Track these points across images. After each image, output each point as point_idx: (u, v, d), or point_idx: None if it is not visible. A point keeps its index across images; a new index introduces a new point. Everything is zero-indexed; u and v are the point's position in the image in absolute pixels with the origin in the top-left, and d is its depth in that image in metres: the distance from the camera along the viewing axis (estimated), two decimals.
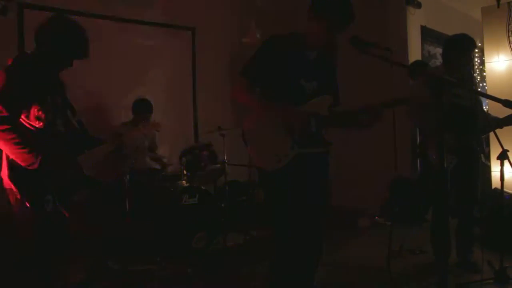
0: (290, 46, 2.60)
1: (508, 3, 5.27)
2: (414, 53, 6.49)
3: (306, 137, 2.53)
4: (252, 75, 2.57)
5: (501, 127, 3.63)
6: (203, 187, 4.79)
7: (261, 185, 2.76)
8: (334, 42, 2.60)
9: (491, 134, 4.05)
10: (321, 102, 2.64)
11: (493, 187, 5.19)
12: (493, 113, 4.06)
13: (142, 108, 5.33)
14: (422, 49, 6.81)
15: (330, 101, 2.68)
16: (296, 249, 2.57)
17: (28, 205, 2.42)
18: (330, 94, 2.72)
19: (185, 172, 4.87)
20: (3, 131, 2.34)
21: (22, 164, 2.39)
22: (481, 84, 7.24)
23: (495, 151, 4.96)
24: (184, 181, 4.80)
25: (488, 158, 5.30)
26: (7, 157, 2.45)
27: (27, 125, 2.49)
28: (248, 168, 6.06)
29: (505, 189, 3.48)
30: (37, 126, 2.50)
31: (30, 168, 2.39)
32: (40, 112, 2.49)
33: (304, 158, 2.56)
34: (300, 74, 2.60)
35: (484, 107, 4.26)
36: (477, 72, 7.75)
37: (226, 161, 5.05)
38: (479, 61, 7.63)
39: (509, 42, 5.30)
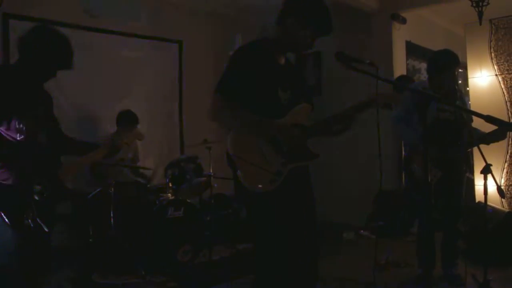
0: (264, 53, 2.52)
1: (490, 20, 5.38)
2: (399, 68, 6.57)
3: (295, 151, 2.47)
4: (229, 91, 2.41)
5: (487, 144, 3.66)
6: (188, 200, 4.77)
7: (250, 207, 2.59)
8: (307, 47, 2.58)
9: (475, 148, 4.10)
10: (301, 111, 2.59)
11: (476, 200, 5.24)
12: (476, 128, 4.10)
13: (126, 119, 5.31)
14: (407, 64, 6.90)
15: (309, 110, 2.63)
16: (291, 270, 2.49)
17: (6, 220, 2.36)
18: (306, 101, 2.67)
19: (170, 185, 4.85)
20: None
21: None
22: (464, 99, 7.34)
23: (478, 165, 5.02)
24: (169, 194, 4.77)
25: (472, 172, 5.36)
26: None
27: (7, 138, 2.43)
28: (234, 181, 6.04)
29: (488, 203, 3.51)
30: (17, 138, 2.45)
31: (4, 183, 2.34)
32: (21, 125, 2.44)
33: (295, 173, 2.49)
34: (277, 84, 2.53)
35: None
36: (461, 87, 7.86)
37: (212, 174, 5.04)
38: (462, 76, 7.75)
39: (492, 58, 5.40)
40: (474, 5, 5.46)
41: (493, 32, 5.36)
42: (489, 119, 2.07)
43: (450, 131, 3.83)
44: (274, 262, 2.46)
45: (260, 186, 2.37)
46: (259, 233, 2.54)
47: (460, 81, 7.62)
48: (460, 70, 7.09)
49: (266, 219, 2.47)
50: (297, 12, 2.47)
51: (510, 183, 5.21)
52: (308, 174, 2.69)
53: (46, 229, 2.47)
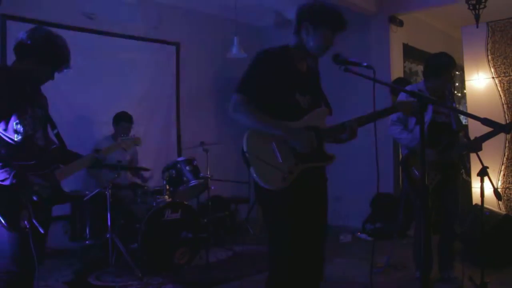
0: (284, 59, 2.59)
1: (487, 23, 5.40)
2: (396, 71, 6.58)
3: (308, 152, 2.51)
4: (250, 92, 2.50)
5: (480, 149, 3.65)
6: (185, 202, 4.76)
7: (264, 205, 2.65)
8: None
9: None
10: (319, 114, 2.64)
11: (473, 203, 5.25)
12: (473, 130, 4.11)
13: (122, 119, 5.30)
14: (404, 66, 6.91)
15: (326, 113, 2.69)
16: (299, 268, 2.53)
17: (3, 220, 2.35)
18: (325, 105, 2.74)
19: (167, 187, 4.85)
20: None
21: None
22: (461, 102, 7.36)
23: (475, 168, 5.03)
24: (166, 196, 4.76)
25: (468, 174, 5.37)
26: None
27: (5, 138, 2.44)
28: (229, 183, 6.07)
29: (485, 205, 3.51)
30: (15, 139, 2.46)
31: (2, 183, 2.34)
32: (18, 126, 2.45)
33: (309, 174, 2.53)
34: (295, 88, 2.60)
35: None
36: (458, 90, 7.88)
37: (209, 176, 5.04)
38: (459, 79, 7.77)
39: (488, 61, 5.41)
40: (471, 8, 5.48)
41: (489, 34, 5.38)
42: (486, 122, 2.07)
43: (446, 133, 3.83)
44: (284, 258, 2.52)
45: (271, 183, 2.43)
46: (271, 230, 2.60)
47: (457, 84, 7.65)
48: (457, 72, 7.14)
49: (278, 216, 2.54)
50: (309, 16, 2.56)
51: (507, 185, 5.22)
52: (324, 176, 2.75)
53: (42, 231, 2.46)
